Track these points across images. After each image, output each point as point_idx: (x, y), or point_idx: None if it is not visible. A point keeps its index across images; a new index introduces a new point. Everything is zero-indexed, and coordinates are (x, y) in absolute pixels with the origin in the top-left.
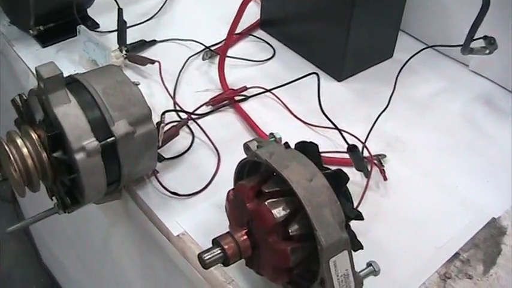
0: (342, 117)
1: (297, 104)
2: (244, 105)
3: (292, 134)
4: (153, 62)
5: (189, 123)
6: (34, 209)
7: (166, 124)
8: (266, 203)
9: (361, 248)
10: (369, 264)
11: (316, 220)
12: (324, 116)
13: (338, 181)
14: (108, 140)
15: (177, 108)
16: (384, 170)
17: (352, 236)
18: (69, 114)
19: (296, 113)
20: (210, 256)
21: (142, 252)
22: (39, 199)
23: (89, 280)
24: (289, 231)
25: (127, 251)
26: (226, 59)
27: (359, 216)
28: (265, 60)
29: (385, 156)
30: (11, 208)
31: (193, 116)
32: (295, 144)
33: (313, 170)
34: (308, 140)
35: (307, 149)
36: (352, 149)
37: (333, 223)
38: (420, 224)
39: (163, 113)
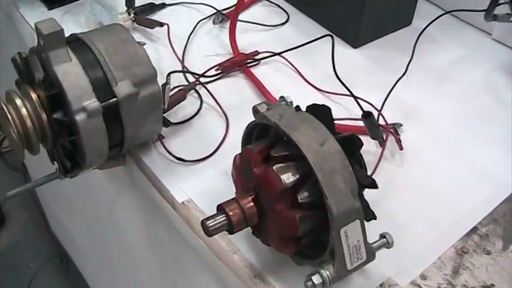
0: (356, 85)
1: (310, 69)
2: (255, 70)
3: (304, 100)
4: (161, 24)
5: (197, 88)
6: None
7: (174, 88)
8: (274, 167)
9: (374, 218)
10: (382, 236)
11: (327, 187)
12: (338, 82)
13: (351, 146)
14: (110, 100)
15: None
16: (399, 139)
17: (365, 205)
18: (70, 72)
19: (309, 79)
20: (214, 223)
21: (147, 220)
22: (48, 168)
23: (95, 249)
24: (298, 198)
25: (132, 219)
26: (238, 23)
27: (373, 184)
28: (279, 25)
29: (401, 125)
30: (21, 177)
31: (201, 80)
32: (307, 107)
33: (325, 134)
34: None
35: (319, 112)
36: (367, 115)
37: (345, 190)
38: (437, 196)
39: (169, 74)
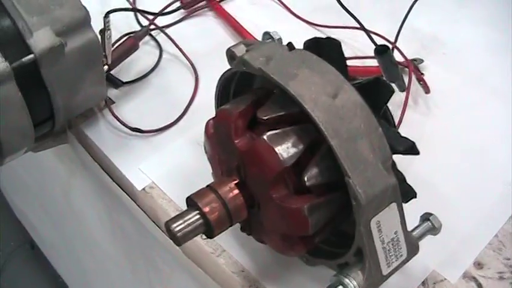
0: (359, 14)
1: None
2: (228, 6)
3: (295, 39)
4: None
5: (153, 34)
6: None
7: (123, 37)
8: (265, 136)
9: (414, 196)
10: (425, 218)
11: (348, 159)
12: (331, 14)
13: (377, 95)
14: (24, 58)
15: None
16: (424, 79)
17: (401, 179)
18: None
19: (297, 11)
20: (183, 226)
21: (108, 207)
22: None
23: (58, 239)
24: (305, 179)
25: (90, 206)
26: None
27: (412, 149)
28: None
29: (422, 61)
30: None
31: (159, 23)
32: (305, 43)
33: (338, 80)
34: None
35: (324, 48)
36: (381, 50)
37: (374, 162)
38: (480, 152)
39: (108, 14)
